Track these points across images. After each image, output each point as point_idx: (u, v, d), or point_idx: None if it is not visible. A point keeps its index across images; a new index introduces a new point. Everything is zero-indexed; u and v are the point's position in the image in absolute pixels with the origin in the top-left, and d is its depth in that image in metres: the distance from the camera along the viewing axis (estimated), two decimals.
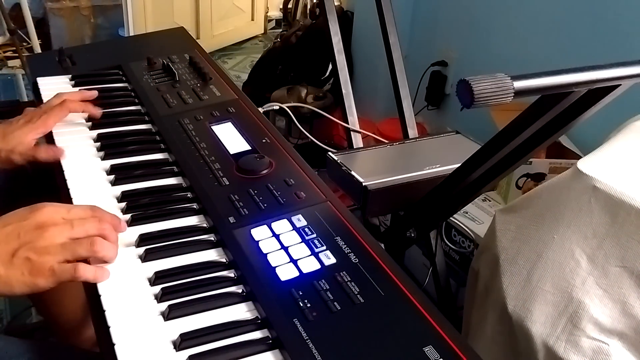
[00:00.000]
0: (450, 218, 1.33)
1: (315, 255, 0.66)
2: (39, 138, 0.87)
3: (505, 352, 0.91)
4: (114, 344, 0.56)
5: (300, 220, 0.72)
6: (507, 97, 0.52)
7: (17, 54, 2.67)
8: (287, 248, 0.67)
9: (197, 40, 1.32)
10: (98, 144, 0.90)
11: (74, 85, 1.07)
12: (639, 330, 0.80)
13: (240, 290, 0.64)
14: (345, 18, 2.39)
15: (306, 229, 0.70)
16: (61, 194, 0.79)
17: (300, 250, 0.67)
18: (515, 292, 0.87)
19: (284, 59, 2.52)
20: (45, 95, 1.01)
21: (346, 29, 2.35)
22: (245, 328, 0.59)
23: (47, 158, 0.86)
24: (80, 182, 0.81)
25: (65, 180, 0.81)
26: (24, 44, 2.77)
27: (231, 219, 0.72)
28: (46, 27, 3.07)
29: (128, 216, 0.74)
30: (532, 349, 0.85)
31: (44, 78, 1.08)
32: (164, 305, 0.61)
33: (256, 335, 0.59)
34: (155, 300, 0.62)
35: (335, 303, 0.60)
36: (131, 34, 2.77)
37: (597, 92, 0.66)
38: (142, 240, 0.70)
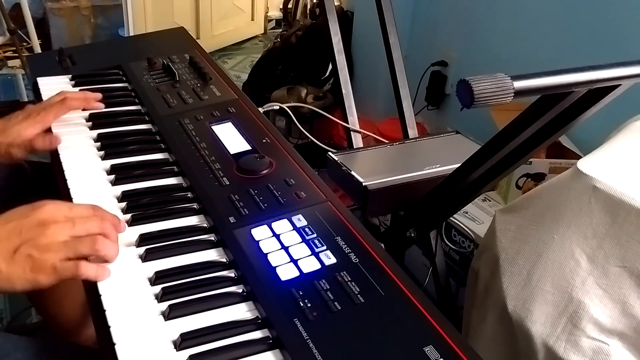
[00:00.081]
0: (450, 218, 1.33)
1: (316, 255, 0.66)
2: (37, 134, 0.87)
3: (505, 352, 0.91)
4: (114, 344, 0.56)
5: (300, 220, 0.72)
6: (507, 97, 0.52)
7: (17, 54, 2.67)
8: (287, 248, 0.67)
9: (197, 40, 1.32)
10: (98, 144, 0.90)
11: (74, 85, 1.07)
12: (639, 330, 0.80)
13: (240, 290, 0.64)
14: (345, 18, 2.39)
15: (306, 229, 0.70)
16: (61, 194, 0.79)
17: (300, 250, 0.67)
18: (515, 292, 0.87)
19: (284, 59, 2.52)
20: (46, 95, 1.00)
21: (346, 29, 2.35)
22: (245, 328, 0.59)
23: (44, 147, 0.86)
24: (80, 182, 0.81)
25: (65, 180, 0.81)
26: (24, 44, 2.77)
27: (231, 219, 0.72)
28: (46, 27, 3.07)
29: (128, 216, 0.74)
30: (532, 349, 0.85)
31: (44, 78, 1.08)
32: (165, 305, 0.61)
33: (256, 335, 0.59)
34: (156, 300, 0.62)
35: (335, 303, 0.60)
36: (131, 34, 2.77)
37: (597, 92, 0.66)
38: (143, 240, 0.70)
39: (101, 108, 0.95)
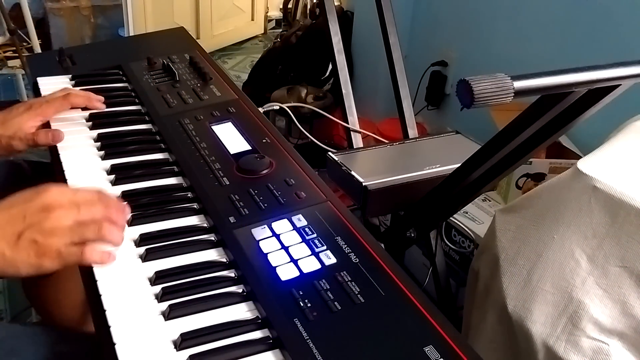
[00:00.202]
0: (450, 218, 1.33)
1: (316, 255, 0.66)
2: (38, 126, 0.87)
3: (505, 352, 0.91)
4: (114, 344, 0.56)
5: (300, 220, 0.72)
6: (507, 97, 0.52)
7: (17, 54, 2.67)
8: (287, 248, 0.67)
9: (197, 40, 1.32)
10: (98, 143, 0.90)
11: (74, 85, 1.07)
12: (639, 330, 0.80)
13: (240, 290, 0.64)
14: (345, 18, 2.39)
15: (306, 229, 0.70)
16: None
17: (300, 250, 0.67)
18: (515, 292, 0.87)
19: (284, 59, 2.52)
20: None
21: (346, 29, 2.35)
22: (245, 328, 0.59)
23: (47, 142, 0.86)
24: (80, 182, 0.81)
25: (65, 180, 0.81)
26: (24, 44, 2.77)
27: (231, 219, 0.72)
28: (46, 27, 3.07)
29: (128, 216, 0.73)
30: (532, 349, 0.85)
31: (44, 78, 1.08)
32: (165, 305, 0.61)
33: (256, 335, 0.59)
34: (156, 300, 0.62)
35: (335, 303, 0.60)
36: (131, 34, 2.77)
37: (597, 92, 0.66)
38: (143, 240, 0.70)
39: (102, 108, 0.96)
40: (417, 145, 1.12)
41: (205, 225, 0.74)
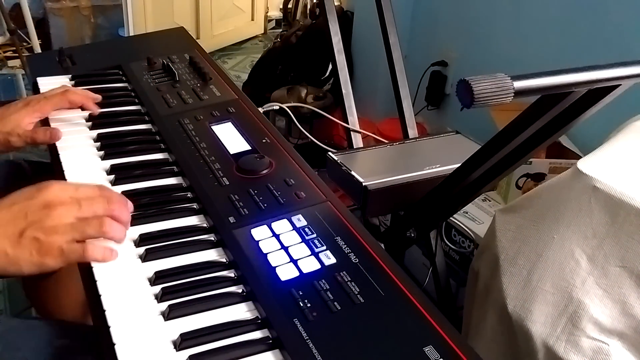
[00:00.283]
0: (450, 218, 1.33)
1: (315, 255, 0.66)
2: (36, 122, 0.87)
3: (505, 352, 0.91)
4: (114, 344, 0.56)
5: (300, 220, 0.72)
6: (507, 97, 0.52)
7: (17, 54, 2.67)
8: (287, 248, 0.67)
9: (197, 40, 1.32)
10: (98, 143, 0.90)
11: (74, 85, 1.07)
12: (639, 330, 0.80)
13: (240, 290, 0.64)
14: (345, 18, 2.39)
15: (306, 229, 0.70)
16: None
17: (300, 250, 0.67)
18: (515, 292, 0.87)
19: (284, 59, 2.52)
20: None
21: (346, 29, 2.35)
22: (245, 328, 0.59)
23: (45, 139, 0.86)
24: (80, 182, 0.81)
25: (65, 180, 0.81)
26: (24, 44, 2.77)
27: (231, 219, 0.72)
28: (46, 27, 3.07)
29: (131, 210, 0.73)
30: (532, 349, 0.85)
31: (44, 78, 1.08)
32: (164, 305, 0.61)
33: (256, 335, 0.59)
34: (156, 300, 0.62)
35: (335, 303, 0.60)
36: (131, 34, 2.77)
37: (597, 92, 0.66)
38: (142, 240, 0.69)
39: (97, 110, 0.95)
40: (417, 145, 1.12)
41: (205, 225, 0.74)
